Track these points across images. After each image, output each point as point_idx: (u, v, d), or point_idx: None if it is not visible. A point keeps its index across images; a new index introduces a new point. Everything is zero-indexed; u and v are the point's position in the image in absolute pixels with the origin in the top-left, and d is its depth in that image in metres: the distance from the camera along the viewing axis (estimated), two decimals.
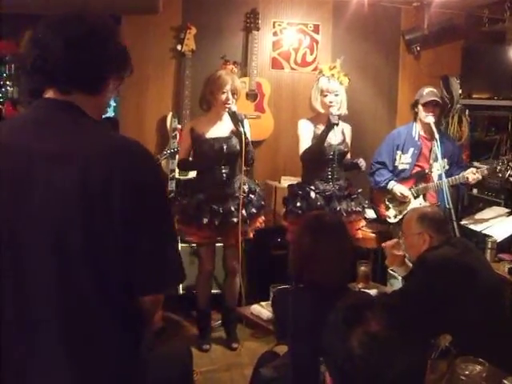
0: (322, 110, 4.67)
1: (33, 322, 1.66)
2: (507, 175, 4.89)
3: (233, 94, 4.49)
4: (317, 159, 4.67)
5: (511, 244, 4.68)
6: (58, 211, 1.61)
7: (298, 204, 4.70)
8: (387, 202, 5.18)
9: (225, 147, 4.50)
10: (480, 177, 4.80)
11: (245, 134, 4.45)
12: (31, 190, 1.63)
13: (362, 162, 4.76)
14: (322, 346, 1.63)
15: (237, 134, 4.51)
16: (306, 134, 4.73)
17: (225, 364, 4.49)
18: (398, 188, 5.05)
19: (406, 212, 4.96)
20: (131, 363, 1.76)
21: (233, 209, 4.54)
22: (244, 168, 4.65)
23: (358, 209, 4.79)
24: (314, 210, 4.53)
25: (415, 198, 5.04)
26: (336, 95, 4.66)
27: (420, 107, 5.04)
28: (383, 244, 3.76)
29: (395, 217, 5.12)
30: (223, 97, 4.46)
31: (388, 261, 3.80)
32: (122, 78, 1.84)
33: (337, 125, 4.53)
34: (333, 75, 4.70)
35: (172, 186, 5.41)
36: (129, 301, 1.72)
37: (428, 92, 5.05)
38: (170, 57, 5.77)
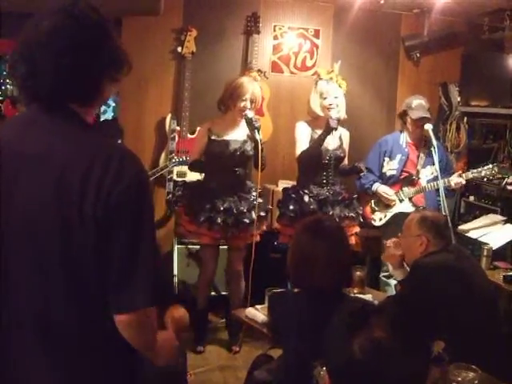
0: (321, 114, 4.68)
1: (14, 329, 1.67)
2: (504, 183, 4.90)
3: (252, 102, 4.53)
4: (313, 163, 4.68)
5: (507, 252, 4.69)
6: (35, 213, 1.60)
7: (291, 207, 4.71)
8: (373, 206, 5.20)
9: (240, 150, 4.55)
10: (463, 181, 4.81)
11: (260, 141, 4.46)
12: (13, 191, 1.63)
13: (362, 166, 4.78)
14: (323, 348, 1.63)
15: (251, 138, 4.55)
16: (304, 136, 4.75)
17: (218, 366, 4.50)
18: (382, 189, 5.07)
19: (390, 216, 5.02)
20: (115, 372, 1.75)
21: (245, 210, 4.59)
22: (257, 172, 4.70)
23: (352, 214, 4.79)
24: (306, 214, 4.54)
25: (401, 201, 5.04)
26: (335, 97, 4.67)
27: (409, 119, 5.04)
28: (385, 241, 3.75)
29: (380, 220, 5.15)
30: (242, 104, 4.49)
31: (384, 256, 3.82)
32: (119, 79, 1.76)
33: (335, 129, 4.55)
34: (331, 78, 4.72)
35: (170, 187, 5.44)
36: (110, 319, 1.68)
37: (417, 105, 5.02)
38: (170, 58, 5.77)
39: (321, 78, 4.77)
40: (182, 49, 5.61)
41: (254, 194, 4.71)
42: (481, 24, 5.82)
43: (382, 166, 5.15)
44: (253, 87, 4.57)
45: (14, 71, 1.70)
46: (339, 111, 4.67)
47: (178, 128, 5.57)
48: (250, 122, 4.48)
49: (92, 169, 1.58)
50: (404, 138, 5.14)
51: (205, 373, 4.35)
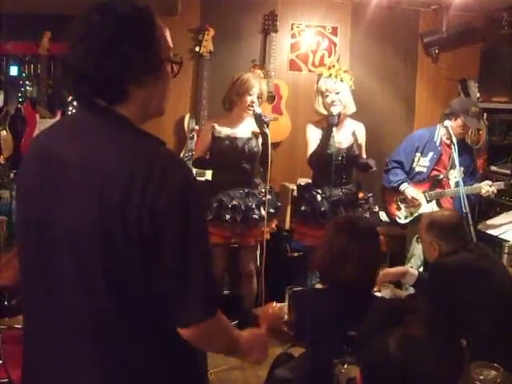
0: (324, 112, 4.62)
1: (58, 332, 1.67)
2: None
3: (258, 98, 4.53)
4: (324, 163, 4.63)
5: None
6: (79, 219, 1.57)
7: (303, 208, 4.70)
8: (399, 203, 5.14)
9: (246, 147, 4.54)
10: (495, 190, 4.80)
11: (267, 135, 4.46)
12: (55, 199, 1.62)
13: (371, 162, 4.73)
14: (358, 345, 1.63)
15: (257, 135, 4.55)
16: (313, 138, 4.70)
17: (239, 364, 4.48)
18: (410, 191, 5.00)
19: (416, 214, 4.98)
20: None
21: (253, 206, 4.57)
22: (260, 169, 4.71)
23: (365, 215, 4.72)
24: (318, 215, 4.54)
25: (428, 202, 5.00)
26: (337, 93, 4.58)
27: (460, 121, 4.91)
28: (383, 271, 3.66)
29: (405, 218, 5.10)
30: (249, 99, 4.49)
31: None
32: (146, 81, 1.67)
33: (335, 125, 4.50)
34: (330, 75, 4.62)
35: None
36: (159, 320, 1.64)
37: (474, 113, 4.94)
38: (188, 58, 5.78)
39: (321, 76, 4.68)
40: (200, 48, 5.63)
41: (263, 190, 4.68)
42: (499, 19, 5.77)
43: (413, 161, 5.10)
44: (259, 82, 4.57)
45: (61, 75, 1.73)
46: (344, 107, 4.61)
47: (197, 127, 5.59)
48: (258, 118, 4.46)
49: (134, 176, 1.53)
50: (439, 136, 5.06)
51: (225, 372, 4.35)
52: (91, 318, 1.62)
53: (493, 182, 4.95)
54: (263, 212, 4.61)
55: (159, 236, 1.54)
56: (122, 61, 1.60)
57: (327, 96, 4.60)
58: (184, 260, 1.58)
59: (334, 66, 4.70)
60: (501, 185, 4.81)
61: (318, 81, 4.70)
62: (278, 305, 2.21)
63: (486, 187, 4.75)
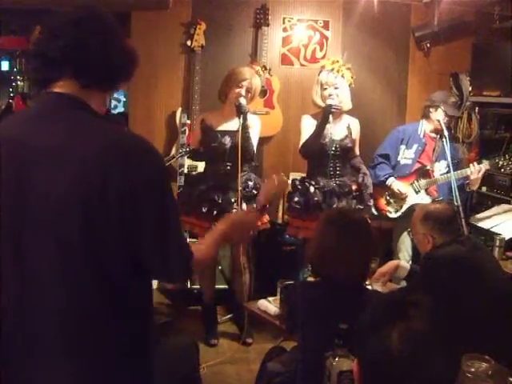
0: (321, 104, 4.66)
1: (33, 319, 1.68)
2: None
3: (248, 91, 4.49)
4: (317, 154, 4.65)
5: None
6: (56, 206, 1.61)
7: (296, 199, 4.69)
8: (388, 198, 5.16)
9: (229, 140, 4.49)
10: (483, 169, 4.80)
11: (244, 128, 4.43)
12: (30, 186, 1.64)
13: (362, 167, 4.83)
14: (357, 339, 1.62)
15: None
16: (308, 129, 4.71)
17: (231, 358, 4.49)
18: (397, 185, 5.03)
19: (406, 207, 5.01)
20: (134, 361, 1.78)
21: (232, 200, 4.51)
22: (253, 164, 4.72)
23: (360, 207, 4.74)
24: (311, 206, 4.54)
25: (417, 192, 5.02)
26: (335, 88, 4.62)
27: (440, 111, 5.00)
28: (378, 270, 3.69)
29: (396, 211, 5.12)
30: (237, 91, 4.46)
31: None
32: (129, 78, 1.85)
33: (331, 113, 4.52)
34: (333, 69, 4.66)
35: (181, 181, 5.44)
36: (132, 296, 1.73)
37: (452, 103, 5.10)
38: (179, 52, 5.77)
39: (323, 69, 4.72)
40: (192, 42, 5.60)
41: (251, 184, 4.62)
42: (491, 13, 5.77)
43: (398, 154, 5.14)
44: (251, 76, 4.54)
45: (41, 45, 1.89)
46: (340, 102, 4.63)
47: (189, 121, 5.57)
48: (238, 108, 4.42)
49: (110, 158, 1.61)
50: (422, 128, 5.13)
51: (217, 365, 4.36)
52: (74, 308, 1.66)
53: (483, 174, 4.95)
54: (244, 207, 4.52)
55: (138, 214, 1.65)
56: (129, 56, 1.79)
57: (326, 89, 4.64)
58: (163, 234, 1.72)
59: (337, 61, 4.73)
60: (486, 165, 4.83)
61: (320, 73, 4.74)
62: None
63: (472, 168, 4.77)
